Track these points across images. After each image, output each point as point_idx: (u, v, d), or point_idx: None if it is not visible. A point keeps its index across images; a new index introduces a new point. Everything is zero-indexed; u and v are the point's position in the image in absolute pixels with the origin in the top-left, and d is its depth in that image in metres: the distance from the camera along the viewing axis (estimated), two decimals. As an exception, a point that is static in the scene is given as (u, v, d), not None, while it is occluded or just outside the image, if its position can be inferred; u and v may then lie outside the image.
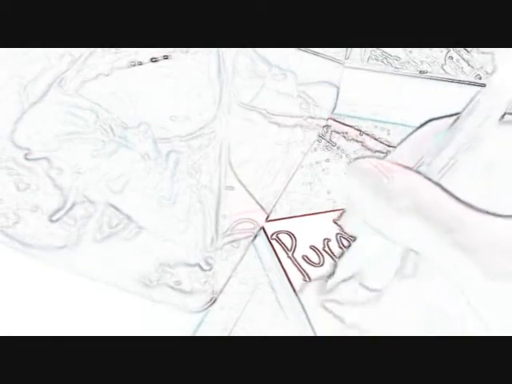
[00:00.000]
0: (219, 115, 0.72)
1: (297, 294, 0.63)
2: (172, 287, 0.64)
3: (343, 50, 0.76)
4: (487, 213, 0.61)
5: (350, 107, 0.74)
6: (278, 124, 0.73)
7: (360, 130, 0.73)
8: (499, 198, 0.63)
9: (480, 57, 0.76)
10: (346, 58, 0.76)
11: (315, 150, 0.72)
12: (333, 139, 0.72)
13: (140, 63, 0.75)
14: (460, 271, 0.60)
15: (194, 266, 0.65)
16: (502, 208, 0.60)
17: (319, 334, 0.62)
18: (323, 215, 0.68)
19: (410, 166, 0.64)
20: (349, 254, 0.62)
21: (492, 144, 0.65)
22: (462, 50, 0.76)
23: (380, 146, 0.72)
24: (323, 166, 0.71)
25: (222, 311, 0.63)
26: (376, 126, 0.73)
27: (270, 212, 0.68)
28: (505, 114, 0.66)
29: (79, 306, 0.62)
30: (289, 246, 0.66)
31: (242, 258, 0.65)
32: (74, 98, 0.72)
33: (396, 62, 0.76)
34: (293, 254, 0.65)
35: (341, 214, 0.65)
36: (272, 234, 0.67)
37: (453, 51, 0.76)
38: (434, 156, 0.65)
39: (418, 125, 0.69)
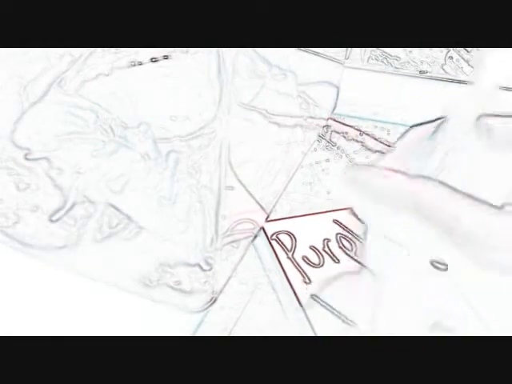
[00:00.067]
0: (219, 115, 0.72)
1: (300, 303, 0.63)
2: (172, 287, 0.64)
3: (343, 49, 0.76)
4: (485, 203, 0.62)
5: (349, 107, 0.74)
6: (278, 124, 0.73)
7: (360, 130, 0.73)
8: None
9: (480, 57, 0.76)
10: (346, 58, 0.76)
11: (315, 150, 0.72)
12: (333, 139, 0.72)
13: (140, 63, 0.75)
14: (457, 267, 0.60)
15: (194, 266, 0.65)
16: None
17: (319, 334, 0.62)
18: (323, 215, 0.68)
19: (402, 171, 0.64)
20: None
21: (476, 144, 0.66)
22: (461, 49, 0.76)
23: (380, 146, 0.72)
24: (323, 166, 0.71)
25: (222, 311, 0.63)
26: (376, 126, 0.73)
27: (270, 212, 0.68)
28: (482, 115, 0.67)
29: (79, 306, 0.62)
30: (289, 247, 0.66)
31: (241, 258, 0.65)
32: (74, 97, 0.72)
33: (396, 61, 0.76)
34: (293, 254, 0.65)
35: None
36: (272, 235, 0.67)
37: (453, 51, 0.76)
38: (424, 160, 0.66)
39: (399, 135, 0.70)
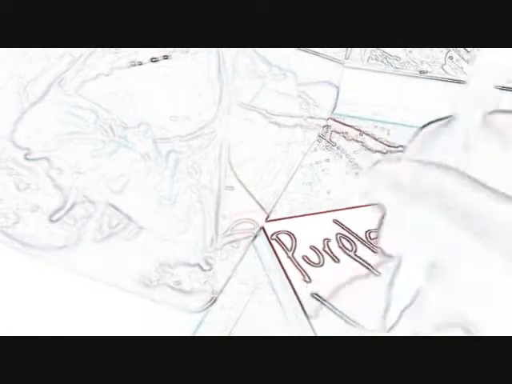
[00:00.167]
0: (219, 115, 0.72)
1: (301, 303, 0.63)
2: (172, 287, 0.64)
3: (343, 50, 0.76)
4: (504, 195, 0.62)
5: (349, 107, 0.74)
6: (278, 124, 0.73)
7: (360, 130, 0.73)
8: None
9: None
10: (346, 58, 0.76)
11: (315, 150, 0.72)
12: (333, 139, 0.72)
13: (140, 63, 0.75)
14: (478, 260, 0.61)
15: (194, 266, 0.65)
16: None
17: (319, 334, 0.62)
18: (323, 215, 0.68)
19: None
20: (397, 284, 0.62)
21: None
22: (461, 49, 0.76)
23: (380, 146, 0.72)
24: (323, 166, 0.71)
25: (222, 311, 0.63)
26: (376, 126, 0.73)
27: (270, 212, 0.68)
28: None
29: (79, 306, 0.62)
30: (289, 246, 0.66)
31: (241, 258, 0.65)
32: (74, 97, 0.72)
33: (396, 61, 0.76)
34: (293, 254, 0.65)
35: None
36: (272, 234, 0.67)
37: (453, 51, 0.76)
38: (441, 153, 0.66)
39: (416, 129, 0.70)
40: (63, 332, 0.60)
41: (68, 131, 0.70)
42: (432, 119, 0.72)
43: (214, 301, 0.63)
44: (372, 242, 0.66)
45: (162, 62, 0.75)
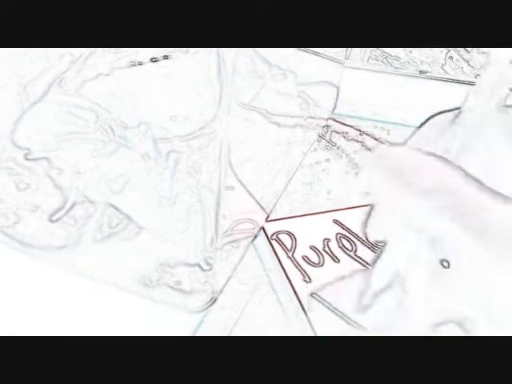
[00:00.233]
0: (219, 115, 0.72)
1: (301, 303, 0.63)
2: (172, 287, 0.64)
3: (343, 50, 0.76)
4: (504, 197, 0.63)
5: (349, 107, 0.74)
6: (278, 124, 0.73)
7: (360, 130, 0.73)
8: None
9: (480, 57, 0.76)
10: (346, 58, 0.76)
11: (315, 150, 0.72)
12: (333, 139, 0.72)
13: (140, 63, 0.75)
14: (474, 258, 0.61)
15: (194, 266, 0.65)
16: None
17: (319, 334, 0.62)
18: (323, 215, 0.68)
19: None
20: (380, 263, 0.62)
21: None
22: (461, 49, 0.76)
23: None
24: (323, 166, 0.71)
25: (222, 311, 0.63)
26: (376, 126, 0.73)
27: (270, 212, 0.68)
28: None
29: (79, 306, 0.62)
30: (289, 246, 0.66)
31: (241, 258, 0.65)
32: (74, 97, 0.72)
33: (396, 61, 0.76)
34: (293, 254, 0.65)
35: None
36: (272, 234, 0.67)
37: (453, 51, 0.76)
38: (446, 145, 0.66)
39: (419, 124, 0.70)
40: (63, 332, 0.60)
41: (68, 131, 0.70)
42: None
43: (214, 301, 0.63)
44: (372, 241, 0.66)
45: (162, 62, 0.75)
